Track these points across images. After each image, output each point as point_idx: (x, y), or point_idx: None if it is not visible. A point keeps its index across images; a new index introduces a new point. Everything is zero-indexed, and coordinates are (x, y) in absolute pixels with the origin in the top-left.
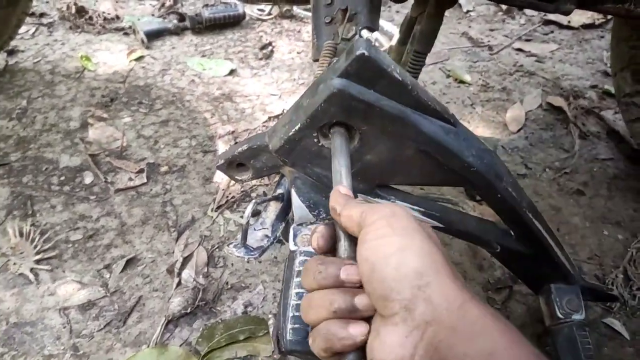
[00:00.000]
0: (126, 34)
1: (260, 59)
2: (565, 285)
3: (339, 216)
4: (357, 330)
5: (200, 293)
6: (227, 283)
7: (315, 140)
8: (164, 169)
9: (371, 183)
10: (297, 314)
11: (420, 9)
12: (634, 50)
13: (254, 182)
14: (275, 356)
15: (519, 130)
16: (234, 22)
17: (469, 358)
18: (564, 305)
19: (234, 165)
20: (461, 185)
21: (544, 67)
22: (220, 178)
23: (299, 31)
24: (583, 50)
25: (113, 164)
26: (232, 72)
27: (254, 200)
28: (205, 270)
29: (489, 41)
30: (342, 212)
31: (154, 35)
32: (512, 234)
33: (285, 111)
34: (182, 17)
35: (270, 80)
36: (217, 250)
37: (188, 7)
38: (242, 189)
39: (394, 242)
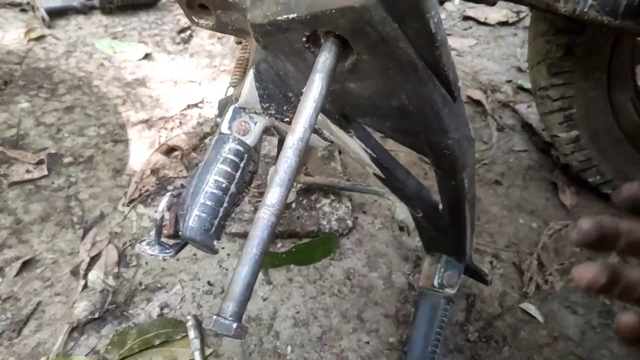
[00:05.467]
0: (24, 10)
1: (178, 43)
2: (454, 261)
3: None
4: None
5: (110, 296)
6: (140, 284)
7: (304, 39)
8: (68, 159)
9: (338, 110)
10: (208, 202)
11: None
12: (550, 44)
13: (171, 173)
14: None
15: None
16: (148, 3)
17: None
18: (444, 277)
19: (196, 2)
20: (424, 156)
21: (463, 62)
22: (133, 170)
23: None
24: (499, 46)
25: (7, 154)
26: (146, 56)
27: (169, 193)
28: (116, 270)
29: None
30: None
31: (56, 14)
32: (440, 208)
33: (204, 99)
34: None
35: (188, 66)
36: (129, 248)
37: None
38: (157, 182)
39: None
